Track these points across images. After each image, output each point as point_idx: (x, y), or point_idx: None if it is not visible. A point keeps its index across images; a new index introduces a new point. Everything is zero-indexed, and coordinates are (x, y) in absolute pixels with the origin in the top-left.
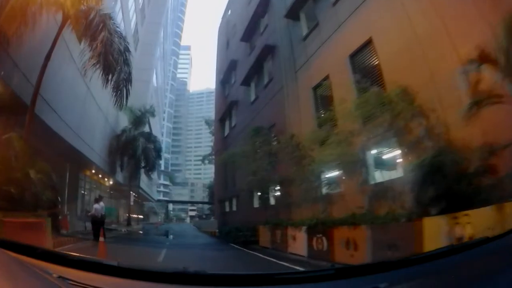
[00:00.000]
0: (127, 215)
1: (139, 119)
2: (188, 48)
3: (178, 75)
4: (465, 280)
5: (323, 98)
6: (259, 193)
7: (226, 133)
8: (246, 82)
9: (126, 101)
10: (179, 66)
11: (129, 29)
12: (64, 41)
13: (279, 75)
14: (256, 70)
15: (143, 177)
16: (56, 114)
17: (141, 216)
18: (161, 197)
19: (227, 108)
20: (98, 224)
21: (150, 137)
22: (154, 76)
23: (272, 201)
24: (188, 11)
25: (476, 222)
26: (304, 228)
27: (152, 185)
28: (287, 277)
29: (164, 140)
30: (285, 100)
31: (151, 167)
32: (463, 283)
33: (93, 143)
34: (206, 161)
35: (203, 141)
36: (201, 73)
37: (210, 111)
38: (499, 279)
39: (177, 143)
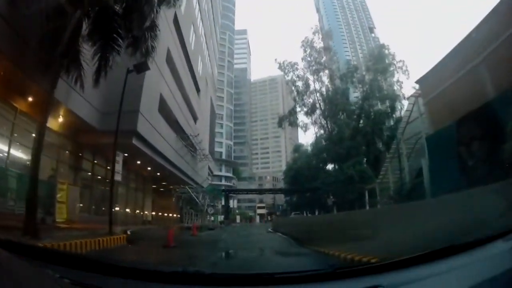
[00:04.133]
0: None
1: None
2: (244, 32)
3: (236, 61)
4: (465, 280)
5: None
6: None
7: None
8: None
9: None
10: (236, 51)
11: None
12: None
13: None
14: None
15: (155, 116)
16: None
17: (179, 216)
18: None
19: None
20: None
21: None
22: None
23: None
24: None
25: None
26: None
27: (196, 162)
28: (287, 277)
29: (224, 124)
30: None
31: (141, 40)
32: (463, 283)
33: None
34: (286, 124)
35: (269, 131)
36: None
37: (274, 99)
38: (499, 279)
39: (241, 133)
